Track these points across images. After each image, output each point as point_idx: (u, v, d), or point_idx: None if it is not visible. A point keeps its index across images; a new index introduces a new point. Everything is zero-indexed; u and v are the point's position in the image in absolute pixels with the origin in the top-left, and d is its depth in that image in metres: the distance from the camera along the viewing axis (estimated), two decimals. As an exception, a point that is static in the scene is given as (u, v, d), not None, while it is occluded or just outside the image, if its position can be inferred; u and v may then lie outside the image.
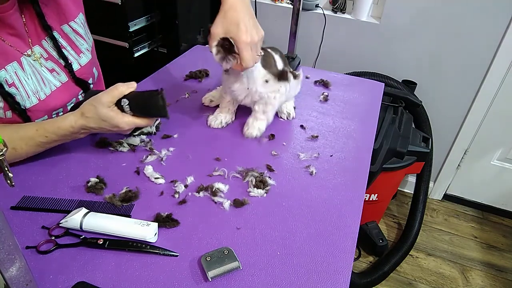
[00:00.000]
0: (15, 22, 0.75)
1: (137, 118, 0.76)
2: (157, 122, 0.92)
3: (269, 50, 0.90)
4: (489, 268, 1.91)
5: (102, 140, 0.85)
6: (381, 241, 1.83)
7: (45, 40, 0.82)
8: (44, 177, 0.75)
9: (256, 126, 0.90)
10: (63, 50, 0.85)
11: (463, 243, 2.04)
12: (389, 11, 1.84)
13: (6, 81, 0.74)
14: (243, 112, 0.96)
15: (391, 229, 2.09)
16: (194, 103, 1.04)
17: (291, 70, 0.95)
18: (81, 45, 0.90)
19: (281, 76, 0.88)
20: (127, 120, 0.75)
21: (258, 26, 0.78)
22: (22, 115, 0.78)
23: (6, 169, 0.42)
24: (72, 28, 0.87)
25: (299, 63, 1.31)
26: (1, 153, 0.41)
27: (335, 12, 1.97)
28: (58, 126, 0.74)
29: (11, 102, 0.75)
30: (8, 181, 0.42)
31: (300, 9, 1.25)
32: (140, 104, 0.75)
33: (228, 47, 0.74)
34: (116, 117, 0.74)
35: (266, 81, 0.85)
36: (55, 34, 0.84)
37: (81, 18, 0.90)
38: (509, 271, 1.90)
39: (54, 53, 0.84)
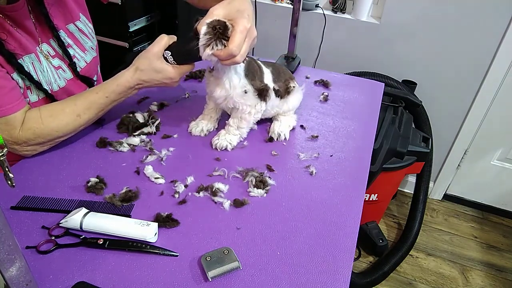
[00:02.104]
0: (25, 21, 0.79)
1: (183, 66, 0.80)
2: (157, 122, 0.92)
3: (259, 62, 0.86)
4: (489, 268, 1.91)
5: (102, 140, 0.85)
6: (381, 241, 1.83)
7: (53, 39, 0.85)
8: (44, 177, 0.75)
9: (228, 139, 0.86)
10: (69, 49, 0.88)
11: (463, 243, 2.04)
12: (389, 11, 1.84)
13: None
14: (228, 118, 0.91)
15: (391, 229, 2.09)
16: (194, 103, 1.04)
17: (288, 84, 0.90)
18: (85, 43, 0.93)
19: (260, 93, 0.83)
20: (178, 70, 0.79)
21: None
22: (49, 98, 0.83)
23: (7, 169, 0.42)
24: (78, 27, 0.91)
25: (299, 63, 1.31)
26: (2, 153, 0.41)
27: (335, 12, 1.97)
28: (116, 83, 0.80)
29: (37, 82, 0.79)
30: (9, 182, 0.42)
31: (300, 9, 1.25)
32: (181, 52, 0.78)
33: (221, 31, 0.67)
34: (168, 69, 0.78)
35: (245, 92, 0.81)
36: (62, 33, 0.87)
37: (82, 18, 0.93)
38: (509, 271, 1.90)
39: (61, 51, 0.86)
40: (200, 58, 0.75)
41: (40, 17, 0.82)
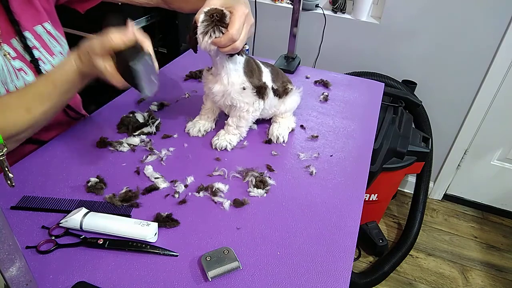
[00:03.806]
0: None
1: (119, 77, 0.66)
2: (157, 122, 0.92)
3: (258, 61, 0.86)
4: (489, 268, 1.91)
5: (102, 140, 0.85)
6: (381, 241, 1.83)
7: (15, 39, 0.80)
8: (44, 177, 0.75)
9: (228, 138, 0.86)
10: (35, 50, 0.83)
11: (463, 243, 2.04)
12: (389, 11, 1.84)
13: None
14: (226, 118, 0.90)
15: (391, 229, 2.09)
16: (194, 103, 1.04)
17: (286, 85, 0.91)
18: (54, 47, 0.88)
19: (258, 90, 0.82)
20: (115, 78, 0.66)
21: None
22: None
23: (7, 169, 0.42)
24: (46, 29, 0.86)
25: (299, 63, 1.31)
26: (1, 153, 0.41)
27: (335, 12, 1.97)
28: (64, 70, 0.70)
29: None
30: (9, 182, 0.42)
31: (300, 9, 1.25)
32: (121, 66, 0.64)
33: (219, 18, 0.68)
34: (105, 72, 0.65)
35: (244, 89, 0.81)
36: (28, 34, 0.82)
37: (50, 24, 0.88)
38: (509, 271, 1.90)
39: (24, 52, 0.81)
40: (135, 87, 0.65)
41: (2, 13, 0.76)
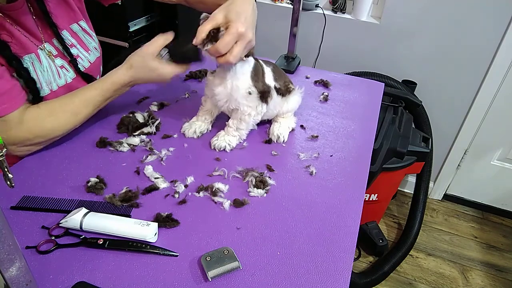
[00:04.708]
0: (25, 20, 0.79)
1: (177, 65, 0.83)
2: (157, 122, 0.92)
3: (261, 61, 0.86)
4: (489, 268, 1.91)
5: (102, 140, 0.85)
6: (381, 241, 1.83)
7: (55, 38, 0.86)
8: (44, 177, 0.75)
9: (227, 139, 0.86)
10: (73, 48, 0.89)
11: (463, 243, 2.04)
12: (389, 11, 1.84)
13: None
14: (223, 120, 0.90)
15: (391, 229, 2.09)
16: (194, 103, 1.04)
17: (288, 84, 0.91)
18: (89, 43, 0.94)
19: (262, 95, 0.83)
20: (172, 69, 0.83)
21: (254, 32, 0.74)
22: (37, 101, 0.81)
23: (6, 169, 0.42)
24: (81, 27, 0.92)
25: (299, 63, 1.31)
26: (1, 153, 0.41)
27: (335, 12, 1.97)
28: (111, 81, 0.82)
29: (32, 88, 0.79)
30: (8, 182, 0.42)
31: (300, 9, 1.25)
32: (178, 52, 0.82)
33: (214, 34, 0.70)
34: (162, 67, 0.82)
35: (249, 93, 0.81)
36: (65, 33, 0.87)
37: (84, 22, 0.94)
38: (509, 271, 1.90)
39: (63, 51, 0.87)
40: (196, 60, 0.80)
41: (41, 16, 0.82)
